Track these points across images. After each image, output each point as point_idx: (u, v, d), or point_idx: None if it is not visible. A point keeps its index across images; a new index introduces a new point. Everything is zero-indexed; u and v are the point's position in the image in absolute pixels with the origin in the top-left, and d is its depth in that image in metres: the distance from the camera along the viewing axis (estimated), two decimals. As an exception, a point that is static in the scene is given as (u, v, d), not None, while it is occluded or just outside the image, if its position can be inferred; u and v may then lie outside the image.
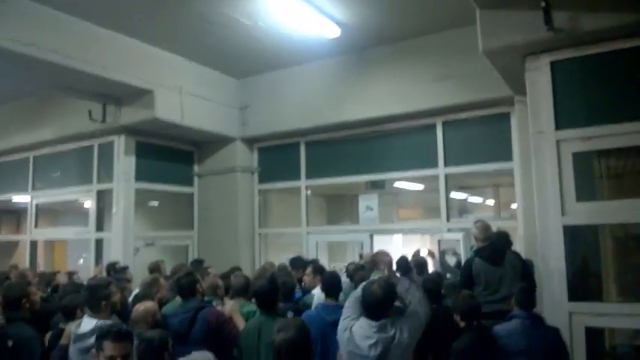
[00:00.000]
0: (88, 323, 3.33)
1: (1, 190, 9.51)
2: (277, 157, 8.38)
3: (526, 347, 3.41)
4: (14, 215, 11.28)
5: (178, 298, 4.32)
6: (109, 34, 6.29)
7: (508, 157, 6.27)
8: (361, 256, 6.22)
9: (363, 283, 3.27)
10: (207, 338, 3.59)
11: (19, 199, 9.19)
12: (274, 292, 3.54)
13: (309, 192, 8.11)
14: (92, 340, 3.19)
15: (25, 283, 4.09)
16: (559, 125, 4.28)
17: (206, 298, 4.33)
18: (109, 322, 3.37)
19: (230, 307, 4.00)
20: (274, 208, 8.85)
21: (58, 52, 5.65)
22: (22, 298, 3.57)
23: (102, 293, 3.45)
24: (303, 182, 8.04)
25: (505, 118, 6.35)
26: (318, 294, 4.38)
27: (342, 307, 3.95)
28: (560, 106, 4.30)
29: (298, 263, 6.04)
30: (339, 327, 3.08)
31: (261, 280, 3.60)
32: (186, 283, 3.94)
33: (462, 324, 3.56)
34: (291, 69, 7.69)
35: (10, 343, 3.25)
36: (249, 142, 8.46)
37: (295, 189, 8.13)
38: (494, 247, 4.47)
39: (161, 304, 4.42)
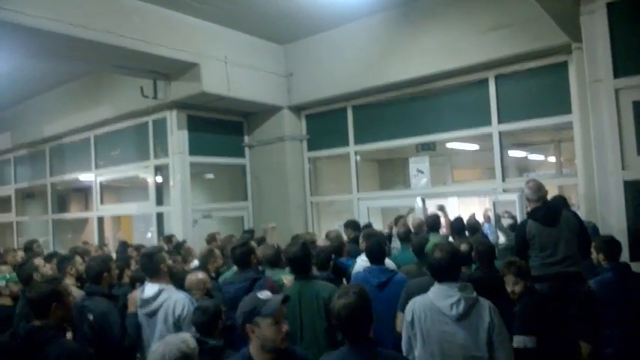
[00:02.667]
0: (150, 288, 3.51)
1: (68, 170, 10.11)
2: (325, 123, 8.31)
3: (624, 298, 3.42)
4: (82, 193, 11.99)
5: (234, 267, 4.46)
6: (152, 9, 6.38)
7: (567, 109, 5.88)
8: (397, 221, 6.10)
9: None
10: None
11: (85, 177, 9.71)
12: (307, 257, 3.58)
13: (358, 157, 8.01)
14: (156, 303, 3.44)
15: (106, 258, 4.30)
16: (618, 72, 3.95)
17: (260, 268, 4.44)
18: (170, 286, 3.55)
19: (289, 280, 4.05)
20: (324, 175, 8.84)
21: (108, 32, 5.83)
22: (103, 272, 3.75)
23: (158, 258, 3.61)
24: (351, 148, 7.95)
25: (562, 67, 5.94)
26: (362, 259, 4.35)
27: (388, 269, 3.98)
28: (618, 51, 3.95)
29: (352, 225, 6.12)
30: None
31: (293, 247, 3.62)
32: (241, 253, 4.03)
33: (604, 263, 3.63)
34: (334, 31, 7.53)
35: (90, 317, 3.46)
36: (296, 109, 8.43)
37: (344, 155, 8.06)
38: (548, 207, 4.22)
39: (218, 273, 4.59)
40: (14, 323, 3.53)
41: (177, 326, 3.35)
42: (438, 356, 2.75)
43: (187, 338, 2.31)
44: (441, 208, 6.42)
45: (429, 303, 2.85)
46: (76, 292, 3.94)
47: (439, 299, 2.81)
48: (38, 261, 4.65)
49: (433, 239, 4.43)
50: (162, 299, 3.46)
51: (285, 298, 2.32)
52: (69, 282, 4.22)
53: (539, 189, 4.15)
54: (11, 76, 8.29)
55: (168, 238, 6.61)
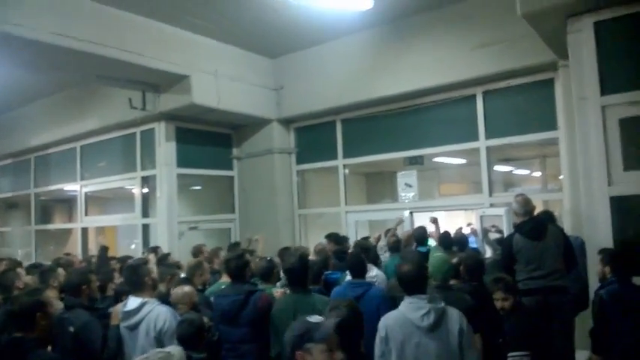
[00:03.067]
0: (133, 301, 3.45)
1: (53, 181, 9.98)
2: (314, 136, 8.35)
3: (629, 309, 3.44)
4: (66, 204, 11.83)
5: (221, 280, 4.41)
6: (142, 21, 6.38)
7: (553, 125, 5.99)
8: (386, 233, 6.15)
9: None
10: (255, 322, 3.64)
11: (69, 188, 9.59)
12: (305, 269, 3.57)
13: (346, 171, 8.05)
14: (138, 317, 3.39)
15: (85, 270, 4.24)
16: (604, 90, 4.04)
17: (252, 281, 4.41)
18: (153, 300, 3.50)
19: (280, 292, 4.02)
20: (313, 188, 8.85)
21: (96, 43, 5.80)
22: (82, 285, 3.70)
23: (142, 271, 3.58)
24: (340, 161, 7.98)
25: (549, 84, 6.05)
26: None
27: (368, 283, 4.00)
28: (604, 69, 4.05)
29: (334, 238, 6.12)
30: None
31: (291, 259, 3.61)
32: (236, 265, 3.93)
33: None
34: (324, 45, 7.59)
35: (71, 329, 3.40)
36: (286, 122, 8.45)
37: (333, 168, 8.08)
38: (535, 221, 4.28)
39: (204, 286, 4.55)
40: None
41: (159, 340, 3.30)
42: None
43: (171, 352, 2.19)
44: (435, 220, 6.45)
45: (400, 317, 2.89)
46: (58, 305, 3.87)
47: (410, 312, 2.85)
48: (20, 270, 4.59)
49: (434, 252, 4.48)
50: (145, 312, 3.40)
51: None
52: (51, 294, 4.14)
53: (526, 203, 4.22)
54: (-3, 85, 8.21)
55: (154, 250, 6.53)
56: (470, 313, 3.00)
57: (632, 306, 3.39)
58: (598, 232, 3.97)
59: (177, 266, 5.46)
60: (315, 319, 2.01)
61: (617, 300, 3.42)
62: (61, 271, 4.42)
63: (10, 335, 2.68)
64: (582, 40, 4.18)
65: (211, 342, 3.22)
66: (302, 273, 3.55)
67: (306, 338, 1.92)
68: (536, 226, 4.17)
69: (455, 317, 2.84)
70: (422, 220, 7.19)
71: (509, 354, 3.11)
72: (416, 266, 2.97)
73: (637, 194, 3.92)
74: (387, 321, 2.92)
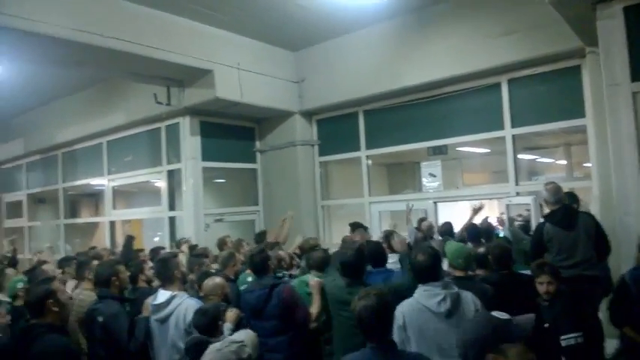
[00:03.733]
0: (162, 295, 3.54)
1: (80, 176, 10.22)
2: (336, 128, 8.38)
3: None
4: (92, 198, 12.10)
5: (247, 271, 4.50)
6: (165, 16, 6.46)
7: (580, 113, 5.92)
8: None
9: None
10: (281, 314, 3.70)
11: (96, 182, 9.80)
12: (362, 261, 3.64)
13: (369, 162, 8.06)
14: (168, 310, 3.46)
15: (113, 262, 4.35)
16: (635, 76, 3.97)
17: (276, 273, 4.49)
18: (182, 293, 3.58)
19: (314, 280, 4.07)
20: (335, 179, 8.89)
21: (122, 39, 5.90)
22: (112, 277, 3.80)
23: (172, 264, 3.67)
24: (363, 152, 8.00)
25: (576, 71, 5.98)
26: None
27: (388, 270, 4.06)
28: (635, 55, 3.99)
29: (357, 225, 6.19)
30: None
31: (349, 251, 3.63)
32: (260, 260, 4.01)
33: None
34: (345, 37, 7.59)
35: (100, 319, 3.52)
36: (308, 115, 8.49)
37: (356, 159, 8.11)
38: (566, 210, 4.24)
39: (236, 277, 4.64)
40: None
41: (189, 332, 3.36)
42: (436, 353, 2.81)
43: (241, 346, 2.17)
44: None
45: (416, 304, 2.95)
46: (90, 296, 4.01)
47: (425, 299, 2.93)
48: (47, 267, 4.71)
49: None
50: (174, 306, 3.48)
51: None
52: (87, 286, 4.29)
53: (557, 191, 4.19)
54: (25, 83, 8.38)
55: (185, 241, 6.65)
56: (492, 303, 3.02)
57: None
58: (631, 219, 3.94)
59: (205, 255, 5.58)
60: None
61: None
62: (95, 263, 4.52)
63: (25, 322, 2.89)
64: (612, 26, 4.11)
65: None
66: (359, 265, 3.60)
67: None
68: (568, 215, 4.14)
69: (469, 299, 2.92)
70: (446, 210, 7.21)
71: (562, 337, 3.17)
72: (429, 255, 3.05)
73: (671, 180, 3.89)
74: (404, 309, 2.97)
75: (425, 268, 3.02)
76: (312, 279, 3.98)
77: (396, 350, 2.40)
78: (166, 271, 3.64)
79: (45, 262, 5.00)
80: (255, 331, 3.54)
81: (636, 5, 4.02)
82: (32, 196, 11.64)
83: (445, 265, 3.69)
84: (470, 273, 3.84)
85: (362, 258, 3.63)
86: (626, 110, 4.00)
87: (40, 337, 2.70)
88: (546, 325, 3.22)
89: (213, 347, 2.12)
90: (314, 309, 3.80)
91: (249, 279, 4.32)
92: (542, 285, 3.42)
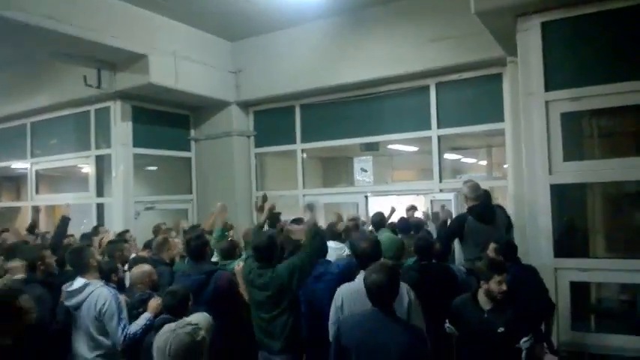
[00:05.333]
0: (78, 282, 3.61)
1: (0, 158, 9.59)
2: (273, 120, 8.46)
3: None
4: (13, 182, 11.41)
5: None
6: (101, -2, 6.25)
7: (500, 117, 6.37)
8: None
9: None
10: (216, 301, 3.82)
11: (18, 165, 9.27)
12: (273, 247, 3.76)
13: (304, 155, 8.22)
14: (81, 297, 3.54)
15: (39, 247, 4.27)
16: (548, 86, 4.37)
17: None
18: (96, 281, 3.63)
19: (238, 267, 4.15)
20: (271, 171, 8.97)
21: (51, 18, 5.64)
22: (36, 261, 3.80)
23: (87, 254, 3.74)
24: (298, 145, 8.14)
25: (497, 79, 6.43)
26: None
27: (329, 261, 4.14)
28: (549, 67, 4.38)
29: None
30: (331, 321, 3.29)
31: (362, 243, 3.66)
32: (196, 245, 4.12)
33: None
34: (284, 31, 7.67)
35: None
36: (245, 105, 8.50)
37: (291, 152, 8.24)
38: (485, 205, 4.60)
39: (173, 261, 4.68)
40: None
41: (99, 320, 3.49)
42: None
43: (195, 328, 2.17)
44: (413, 207, 6.61)
45: (357, 288, 3.14)
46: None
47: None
48: None
49: (384, 233, 4.77)
50: (87, 293, 3.56)
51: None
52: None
53: (477, 188, 4.53)
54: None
55: (96, 230, 6.53)
56: (415, 287, 3.31)
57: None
58: (539, 217, 4.35)
59: (125, 240, 5.55)
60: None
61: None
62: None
63: None
64: (530, 38, 4.49)
65: None
66: (271, 250, 3.74)
67: None
68: (487, 209, 4.49)
69: (404, 290, 3.14)
70: (376, 203, 7.50)
71: (523, 340, 3.10)
72: (372, 243, 3.40)
73: (575, 183, 4.33)
74: (344, 291, 3.23)
75: (367, 254, 3.30)
76: (238, 264, 4.09)
77: (394, 315, 2.76)
78: (80, 260, 3.70)
79: None
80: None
81: (553, 21, 4.41)
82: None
83: None
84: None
85: (273, 244, 3.76)
86: (539, 117, 4.40)
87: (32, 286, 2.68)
88: (501, 329, 3.12)
89: (168, 327, 2.15)
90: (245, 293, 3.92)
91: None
92: (500, 284, 3.15)
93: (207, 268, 4.05)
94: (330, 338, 3.05)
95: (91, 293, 3.54)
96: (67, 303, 3.58)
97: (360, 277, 3.19)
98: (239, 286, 3.98)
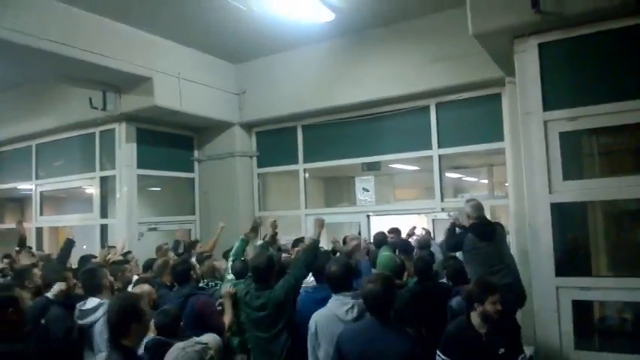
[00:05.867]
0: (91, 302, 3.69)
1: (4, 179, 9.73)
2: (275, 141, 8.55)
3: None
4: (17, 203, 11.48)
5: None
6: (107, 22, 6.39)
7: (499, 137, 6.44)
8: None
9: None
10: (194, 323, 3.83)
11: (23, 187, 9.34)
12: (271, 268, 3.76)
13: (306, 175, 8.28)
14: (93, 317, 3.59)
15: (60, 268, 4.31)
16: (547, 106, 4.43)
17: (203, 283, 4.61)
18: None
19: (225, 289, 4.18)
20: (273, 191, 9.02)
21: (58, 42, 5.77)
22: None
23: (100, 274, 3.86)
24: (300, 165, 8.21)
25: (497, 98, 6.51)
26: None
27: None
28: (547, 87, 4.45)
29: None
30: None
31: (258, 258, 3.79)
32: (181, 270, 4.28)
33: None
34: (286, 53, 7.81)
35: (43, 322, 3.51)
36: (247, 126, 8.60)
37: (293, 172, 8.30)
38: (486, 223, 4.62)
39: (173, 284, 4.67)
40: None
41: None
42: None
43: (205, 347, 2.24)
44: (413, 230, 6.73)
45: (328, 313, 3.25)
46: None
47: (336, 308, 3.22)
48: None
49: (384, 251, 4.78)
50: (100, 313, 3.59)
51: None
52: (26, 296, 4.18)
53: (479, 208, 4.57)
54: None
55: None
56: (407, 308, 3.34)
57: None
58: (540, 236, 4.37)
59: (126, 261, 5.57)
60: None
61: None
62: (36, 271, 4.41)
63: None
64: (527, 59, 4.56)
65: None
66: (269, 271, 3.75)
67: None
68: (487, 227, 4.52)
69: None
70: (378, 223, 7.54)
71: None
72: (342, 267, 3.37)
73: (574, 201, 4.36)
74: (317, 317, 3.30)
75: (337, 278, 3.31)
76: (224, 288, 4.12)
77: (392, 324, 2.79)
78: (94, 280, 3.78)
79: None
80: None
81: (549, 42, 4.48)
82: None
83: None
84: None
85: (272, 265, 3.78)
86: (537, 136, 4.45)
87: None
88: (501, 351, 3.11)
89: (177, 345, 2.20)
90: (226, 318, 3.93)
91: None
92: (495, 304, 3.13)
93: (186, 292, 4.13)
94: None
95: (104, 314, 3.47)
96: (81, 322, 3.61)
97: (331, 302, 3.27)
98: (218, 309, 4.00)
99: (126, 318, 2.37)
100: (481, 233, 4.43)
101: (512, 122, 5.92)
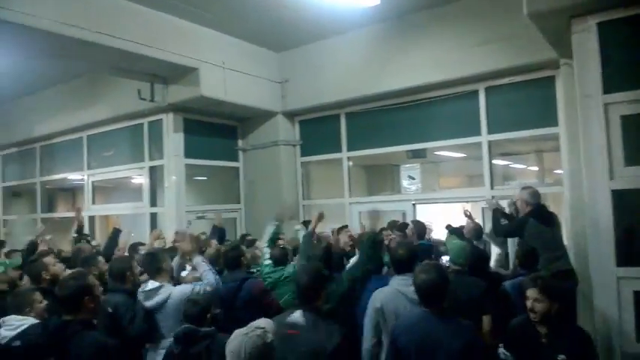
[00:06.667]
0: (152, 284, 3.78)
1: (58, 170, 10.12)
2: (318, 129, 8.52)
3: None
4: (69, 193, 11.94)
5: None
6: (152, 13, 6.49)
7: (553, 122, 6.19)
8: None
9: None
10: (250, 305, 4.05)
11: (76, 177, 9.72)
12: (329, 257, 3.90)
13: (350, 163, 8.23)
14: (159, 297, 3.67)
15: (128, 258, 4.47)
16: (607, 88, 4.20)
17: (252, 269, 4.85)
18: (169, 285, 3.80)
19: None
20: (317, 179, 9.03)
21: (106, 34, 5.90)
22: (126, 272, 3.95)
23: (160, 257, 3.94)
24: (344, 154, 8.17)
25: (550, 81, 6.25)
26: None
27: (386, 277, 4.11)
28: (607, 68, 4.21)
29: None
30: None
31: (399, 249, 3.74)
32: (232, 256, 4.49)
33: None
34: (329, 40, 7.74)
35: (109, 309, 3.63)
36: (291, 115, 8.61)
37: (337, 160, 8.26)
38: (545, 209, 4.55)
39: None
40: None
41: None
42: None
43: (264, 332, 2.31)
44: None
45: (393, 290, 3.38)
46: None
47: (402, 286, 3.35)
48: (48, 259, 4.69)
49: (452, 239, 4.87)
50: (166, 292, 3.71)
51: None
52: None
53: (537, 194, 4.50)
54: (3, 74, 8.25)
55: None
56: (484, 296, 3.27)
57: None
58: (600, 225, 4.17)
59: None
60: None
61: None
62: (101, 259, 4.56)
63: (59, 318, 2.85)
64: (586, 40, 4.34)
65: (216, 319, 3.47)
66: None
67: None
68: (547, 212, 4.43)
69: None
70: (424, 211, 7.43)
71: None
72: (409, 250, 3.60)
73: (637, 188, 4.13)
74: (380, 295, 3.41)
75: (403, 260, 3.50)
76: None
77: (447, 314, 2.77)
78: (155, 264, 3.86)
79: (46, 253, 4.95)
80: (228, 321, 3.76)
81: (609, 21, 4.25)
82: (8, 189, 11.45)
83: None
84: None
85: (329, 255, 3.95)
86: (597, 121, 4.23)
87: (77, 335, 2.72)
88: (561, 357, 2.93)
89: (239, 332, 2.28)
90: None
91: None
92: (528, 301, 3.08)
93: (241, 276, 4.35)
94: (366, 344, 3.28)
95: (171, 292, 3.72)
96: (147, 303, 3.70)
97: (394, 281, 3.45)
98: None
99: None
100: (544, 218, 4.33)
101: (567, 106, 5.66)
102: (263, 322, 2.37)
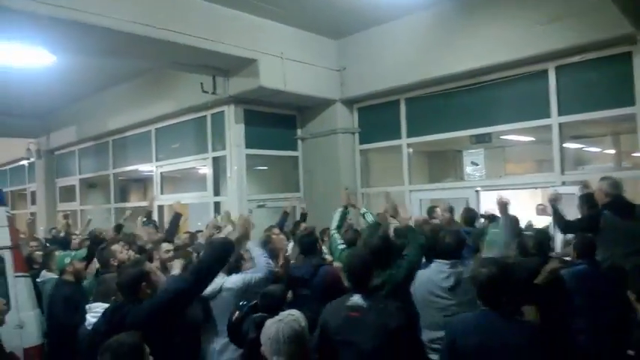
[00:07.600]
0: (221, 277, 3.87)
1: (129, 162, 10.71)
2: (377, 116, 8.41)
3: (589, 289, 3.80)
4: (141, 183, 12.57)
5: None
6: (213, 7, 6.61)
7: (630, 101, 5.76)
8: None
9: None
10: (321, 289, 4.14)
11: (145, 169, 10.22)
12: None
13: (410, 150, 8.07)
14: (212, 287, 3.72)
15: (142, 262, 4.63)
16: (692, 63, 3.87)
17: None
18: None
19: None
20: (376, 167, 8.94)
21: (171, 30, 6.09)
22: (188, 264, 4.07)
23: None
24: (404, 140, 8.01)
25: (626, 58, 5.80)
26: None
27: None
28: (693, 41, 3.87)
29: None
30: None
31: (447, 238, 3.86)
32: (307, 242, 4.65)
33: None
34: (387, 25, 7.58)
35: None
36: (349, 103, 8.55)
37: (396, 147, 8.13)
38: (625, 200, 4.24)
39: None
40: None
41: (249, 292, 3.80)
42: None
43: (299, 316, 2.45)
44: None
45: (427, 274, 3.66)
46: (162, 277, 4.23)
47: (434, 274, 3.61)
48: (115, 247, 4.96)
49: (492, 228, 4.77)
50: (219, 281, 3.81)
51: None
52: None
53: (617, 185, 4.27)
54: (78, 72, 8.77)
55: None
56: (519, 284, 3.20)
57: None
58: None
59: None
60: None
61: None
62: (164, 245, 4.75)
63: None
64: (668, 10, 4.02)
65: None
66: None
67: None
68: (627, 205, 4.15)
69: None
70: (488, 198, 7.16)
71: None
72: (456, 239, 3.74)
73: None
74: (419, 274, 3.70)
75: (452, 248, 3.65)
76: None
77: (508, 313, 2.64)
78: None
79: (115, 240, 5.21)
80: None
81: (694, -10, 3.91)
82: (84, 180, 12.23)
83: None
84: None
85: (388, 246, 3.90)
86: (680, 98, 3.92)
87: (130, 312, 2.82)
88: (630, 352, 2.79)
89: (273, 320, 2.40)
90: None
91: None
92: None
93: (316, 262, 4.46)
94: None
95: (224, 281, 3.86)
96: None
97: (433, 265, 3.67)
98: None
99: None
100: (623, 211, 4.06)
101: (646, 84, 5.26)
102: (293, 311, 2.51)
